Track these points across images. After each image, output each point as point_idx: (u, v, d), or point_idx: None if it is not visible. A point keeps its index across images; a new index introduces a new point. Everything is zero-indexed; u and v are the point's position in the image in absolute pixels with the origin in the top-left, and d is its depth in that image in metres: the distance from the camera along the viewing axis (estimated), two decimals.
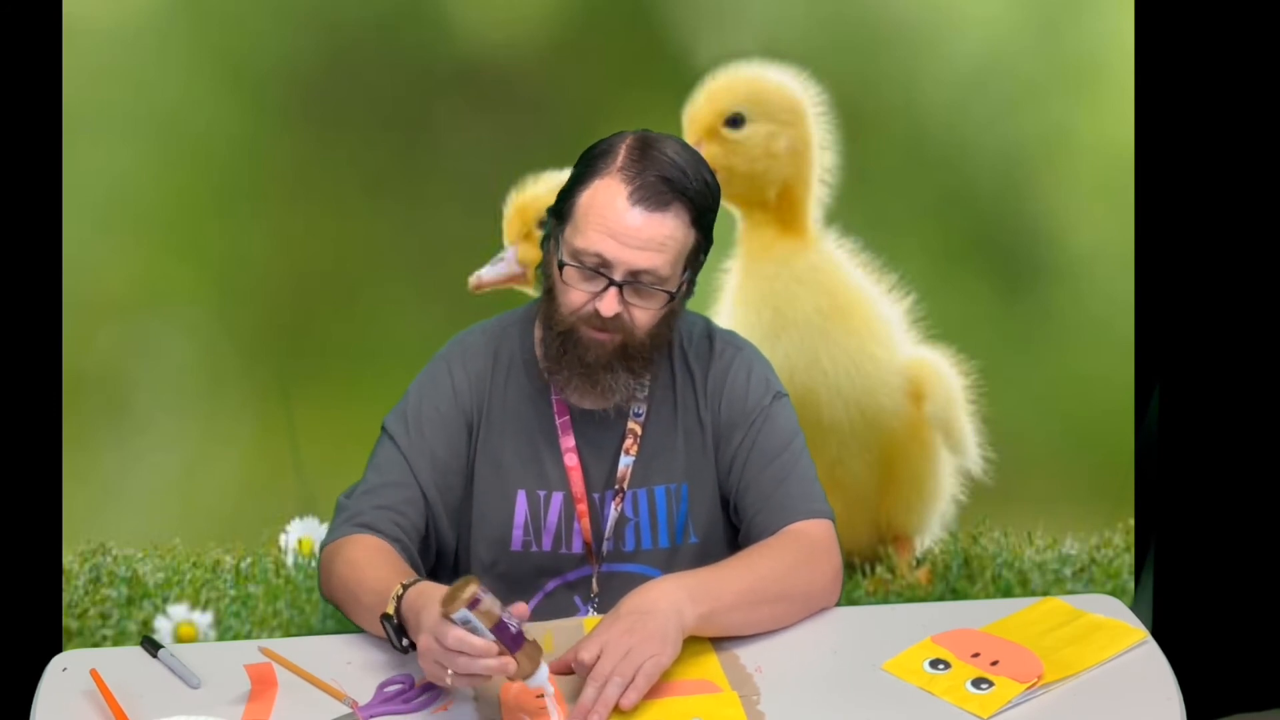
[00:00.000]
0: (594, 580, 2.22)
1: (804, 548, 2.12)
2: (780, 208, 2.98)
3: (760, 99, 2.95)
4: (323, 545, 2.18)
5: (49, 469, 2.90)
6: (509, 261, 2.92)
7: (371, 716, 1.90)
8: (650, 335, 2.11)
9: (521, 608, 1.88)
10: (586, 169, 2.10)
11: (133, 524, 2.95)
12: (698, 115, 2.94)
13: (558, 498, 2.20)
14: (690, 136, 2.92)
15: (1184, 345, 3.11)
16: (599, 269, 2.06)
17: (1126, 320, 3.03)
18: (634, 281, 2.07)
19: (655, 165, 2.06)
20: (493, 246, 2.92)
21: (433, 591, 1.89)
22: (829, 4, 2.95)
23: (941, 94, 2.97)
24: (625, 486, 2.20)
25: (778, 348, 2.97)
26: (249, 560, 2.97)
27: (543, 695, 1.89)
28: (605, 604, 2.20)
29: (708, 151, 2.93)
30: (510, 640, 1.83)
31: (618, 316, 2.07)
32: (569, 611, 2.23)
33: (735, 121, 2.95)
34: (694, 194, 2.08)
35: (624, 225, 2.04)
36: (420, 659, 1.88)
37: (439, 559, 2.24)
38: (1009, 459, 3.05)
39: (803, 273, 2.99)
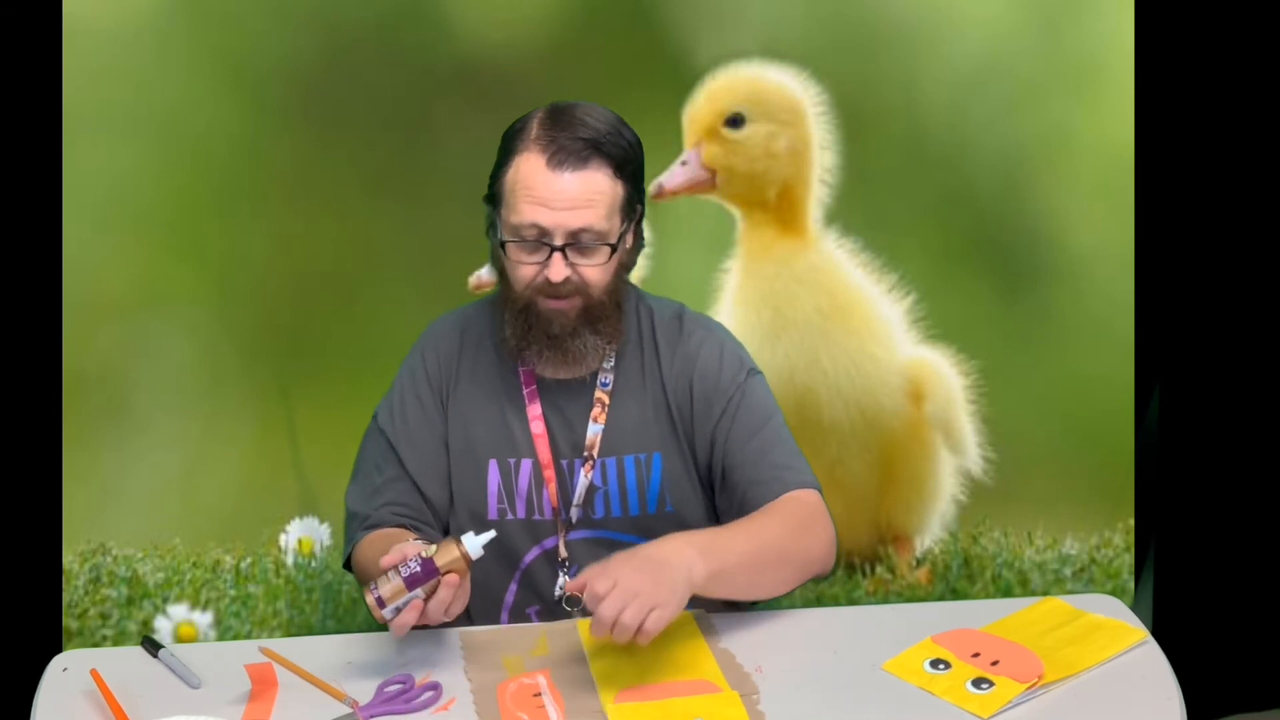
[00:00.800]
0: (561, 545, 2.24)
1: (803, 514, 2.17)
2: (780, 208, 2.98)
3: (760, 99, 2.95)
4: (345, 558, 2.25)
5: (49, 469, 2.90)
6: None
7: (371, 716, 1.90)
8: (608, 293, 2.18)
9: (404, 550, 1.98)
10: (506, 149, 2.18)
11: (133, 524, 2.95)
12: (698, 115, 2.94)
13: (526, 464, 2.24)
14: (690, 136, 2.93)
15: (1184, 345, 3.11)
16: (539, 239, 2.13)
17: (1126, 320, 3.03)
18: (575, 243, 2.13)
19: (567, 128, 2.14)
20: None
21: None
22: (829, 4, 2.95)
23: (941, 94, 2.97)
24: (595, 455, 2.23)
25: (778, 348, 2.97)
26: (249, 560, 2.97)
27: (539, 695, 1.90)
28: (577, 571, 2.22)
29: (708, 151, 2.94)
30: (426, 575, 1.96)
31: (568, 280, 2.14)
32: (551, 582, 2.25)
33: (735, 121, 2.95)
34: (610, 147, 2.15)
35: (551, 191, 2.12)
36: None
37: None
38: (1009, 459, 3.05)
39: (803, 273, 2.99)
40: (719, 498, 2.25)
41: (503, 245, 2.16)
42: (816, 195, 2.98)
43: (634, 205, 2.20)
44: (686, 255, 2.97)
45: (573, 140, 2.13)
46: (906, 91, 2.96)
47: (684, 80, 2.93)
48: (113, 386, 2.92)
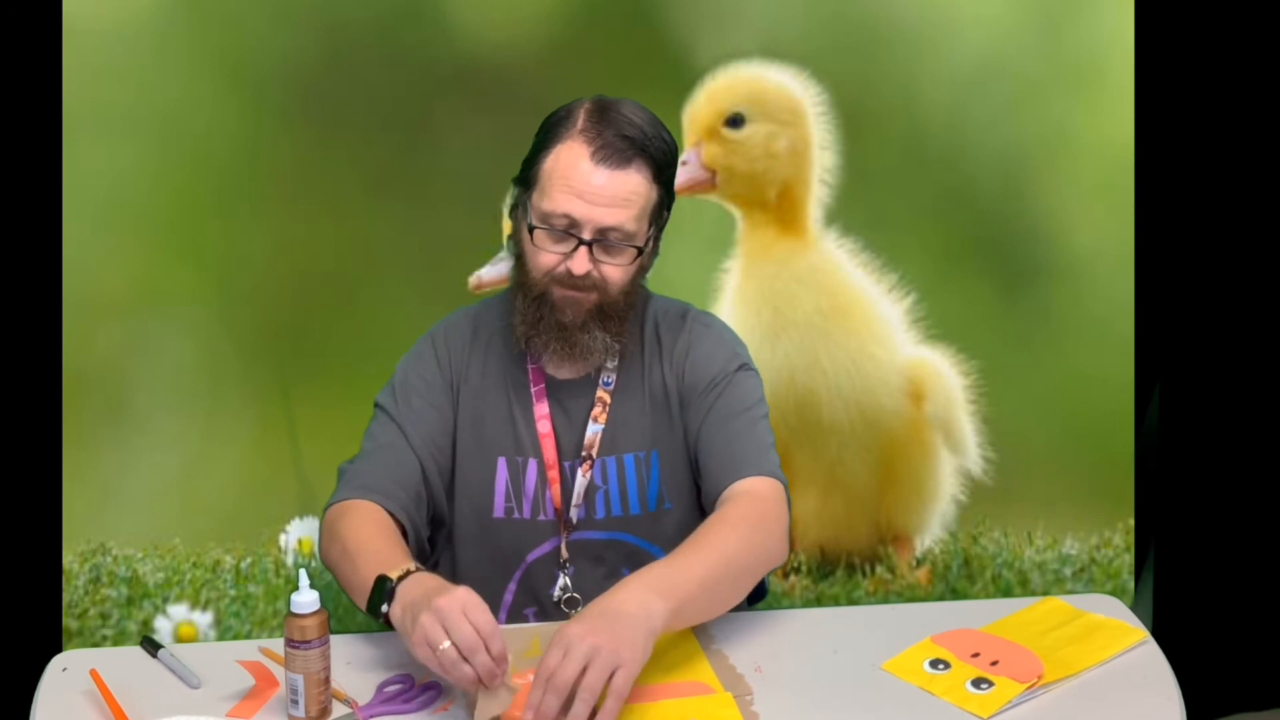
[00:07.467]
0: (563, 547, 2.24)
1: (753, 513, 2.10)
2: (780, 208, 2.98)
3: (760, 99, 2.95)
4: (326, 508, 2.20)
5: (49, 469, 2.90)
6: (508, 261, 2.92)
7: (371, 716, 1.90)
8: (623, 293, 2.17)
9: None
10: (548, 135, 2.17)
11: (133, 524, 2.94)
12: (698, 115, 2.94)
13: (533, 464, 2.24)
14: (690, 136, 2.93)
15: (1184, 345, 3.11)
16: (568, 229, 2.13)
17: (1126, 320, 3.03)
18: (602, 239, 2.13)
19: (614, 125, 2.13)
20: (493, 246, 2.91)
21: (443, 584, 1.90)
22: (829, 4, 2.95)
23: (941, 94, 2.97)
24: (594, 454, 2.23)
25: (778, 348, 2.97)
26: (249, 560, 2.97)
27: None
28: (577, 572, 2.24)
29: (708, 151, 2.94)
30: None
31: (588, 274, 2.13)
32: (548, 586, 2.24)
33: (735, 121, 2.95)
34: (654, 150, 2.15)
35: (589, 185, 2.11)
36: (426, 621, 1.84)
37: (435, 527, 2.28)
38: (1009, 459, 3.05)
39: (803, 273, 2.99)
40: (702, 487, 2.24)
41: (531, 230, 2.15)
42: (816, 195, 2.98)
43: (662, 211, 2.20)
44: (686, 255, 2.97)
45: (619, 138, 2.12)
46: (906, 91, 2.97)
47: (684, 80, 2.93)
48: (113, 386, 2.91)
